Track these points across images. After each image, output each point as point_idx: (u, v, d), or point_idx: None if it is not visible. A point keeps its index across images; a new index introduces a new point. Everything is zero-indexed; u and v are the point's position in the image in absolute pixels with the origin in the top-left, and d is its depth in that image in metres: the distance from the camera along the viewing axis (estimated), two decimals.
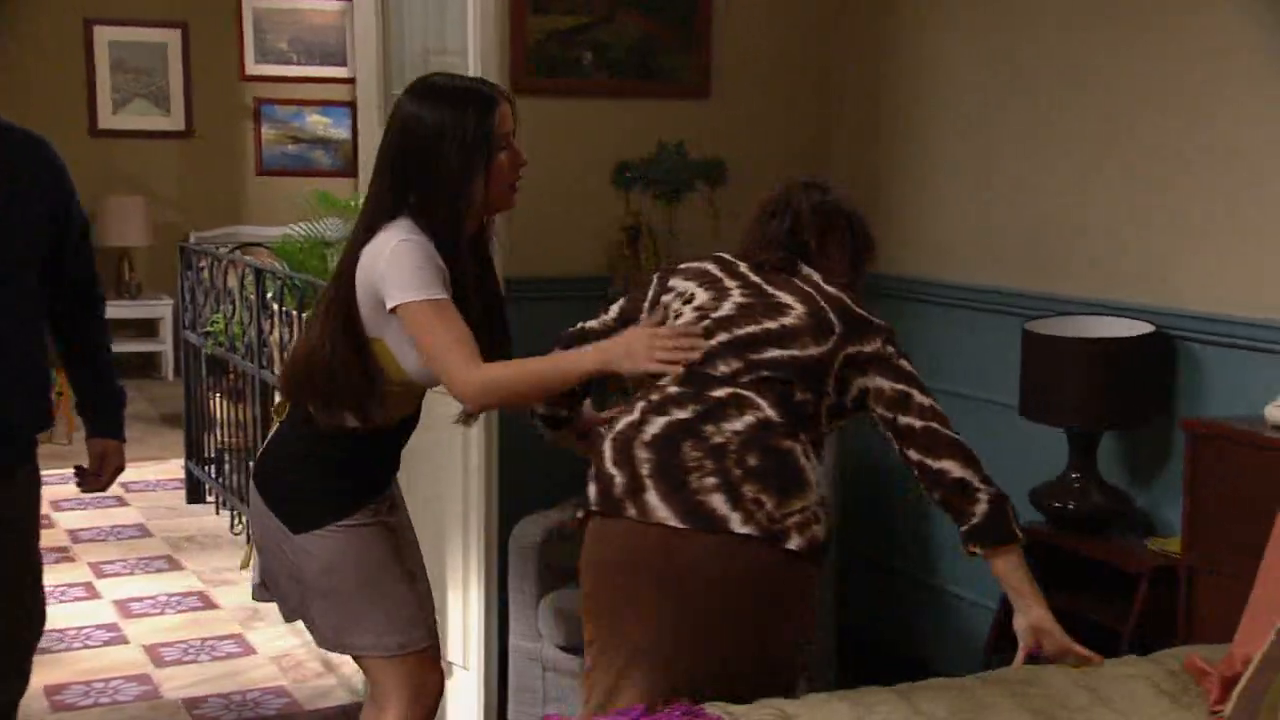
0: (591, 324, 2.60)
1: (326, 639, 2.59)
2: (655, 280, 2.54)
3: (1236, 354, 3.10)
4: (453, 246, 2.43)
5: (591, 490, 2.35)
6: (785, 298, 2.40)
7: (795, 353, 2.34)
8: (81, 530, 5.51)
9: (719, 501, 2.22)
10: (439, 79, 2.54)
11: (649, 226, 4.28)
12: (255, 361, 5.07)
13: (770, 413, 2.29)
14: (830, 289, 2.44)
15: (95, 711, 3.79)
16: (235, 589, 4.80)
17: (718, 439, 2.25)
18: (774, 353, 2.33)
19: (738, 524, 2.21)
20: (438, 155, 2.41)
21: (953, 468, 2.33)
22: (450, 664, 3.47)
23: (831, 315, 2.39)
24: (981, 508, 2.33)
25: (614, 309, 2.59)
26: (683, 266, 2.53)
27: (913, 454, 2.35)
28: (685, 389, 2.31)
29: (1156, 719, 2.25)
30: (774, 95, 4.45)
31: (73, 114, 8.52)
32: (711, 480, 2.23)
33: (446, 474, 3.61)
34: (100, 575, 4.97)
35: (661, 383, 2.34)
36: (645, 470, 2.26)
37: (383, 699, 2.56)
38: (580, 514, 2.40)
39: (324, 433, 2.49)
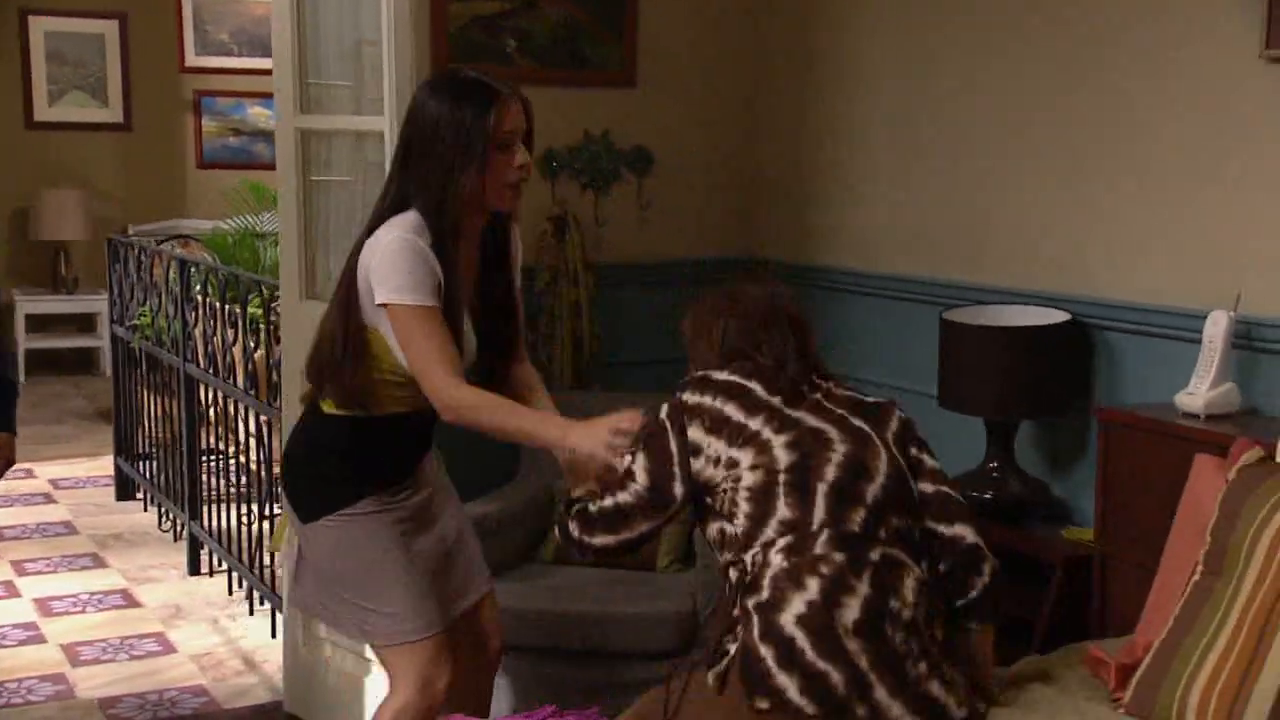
0: (625, 498, 2.26)
1: (347, 630, 2.67)
2: (670, 432, 2.24)
3: (1150, 342, 3.10)
4: (443, 239, 2.41)
5: (789, 688, 2.02)
6: (845, 425, 2.21)
7: (884, 483, 2.16)
8: (6, 528, 5.40)
9: (936, 689, 2.06)
10: (454, 71, 2.56)
11: (575, 216, 4.24)
12: (180, 355, 4.98)
13: (916, 567, 2.12)
14: (848, 393, 2.30)
15: (5, 713, 3.70)
16: (160, 587, 4.72)
17: (906, 614, 2.06)
18: (875, 491, 2.15)
19: (954, 709, 2.07)
20: (433, 144, 2.40)
21: (966, 533, 2.21)
22: (368, 661, 3.41)
23: (879, 424, 2.24)
24: (983, 580, 2.19)
25: (641, 476, 2.24)
26: (693, 405, 2.25)
27: (926, 522, 2.20)
28: (842, 553, 2.08)
29: (1058, 715, 2.23)
30: (701, 85, 4.42)
31: (8, 106, 8.39)
32: (924, 665, 2.06)
33: None
34: (22, 573, 4.87)
35: (816, 550, 2.08)
36: (864, 664, 2.02)
37: (392, 685, 2.58)
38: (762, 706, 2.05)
39: (331, 421, 2.52)
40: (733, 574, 2.16)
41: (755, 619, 2.05)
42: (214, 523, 4.79)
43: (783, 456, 2.15)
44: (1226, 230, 2.95)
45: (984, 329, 3.23)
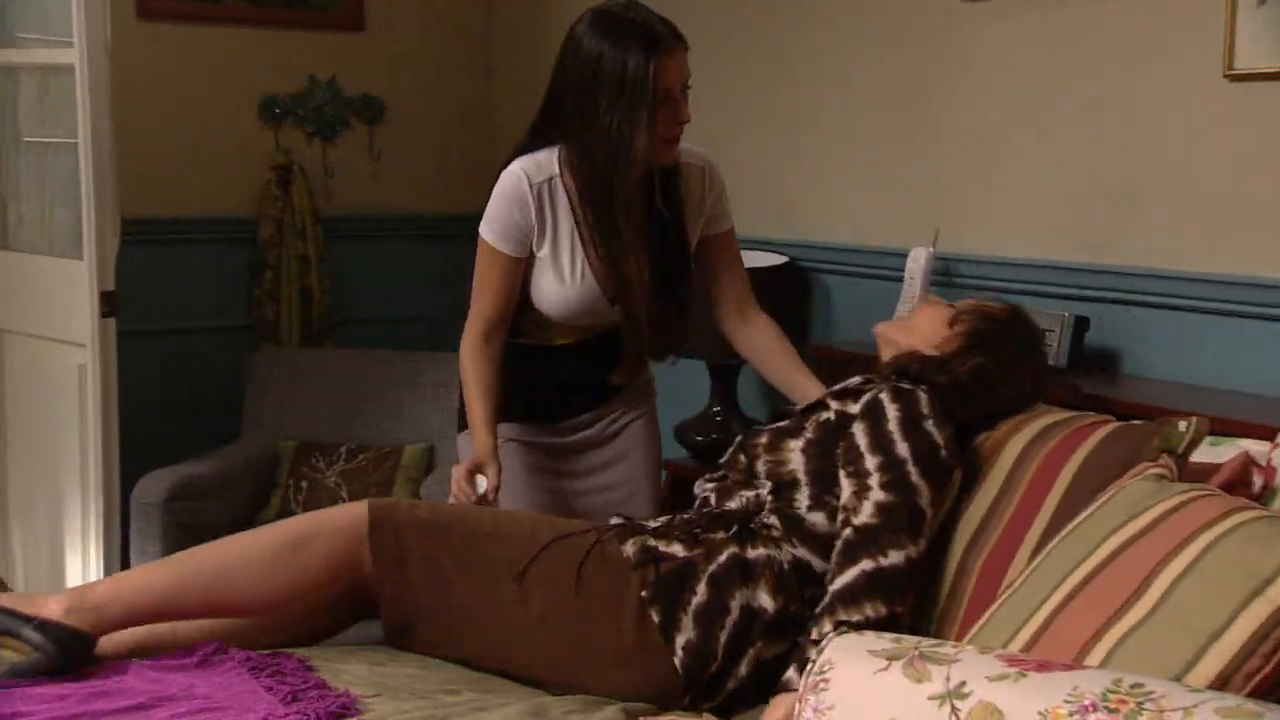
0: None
1: None
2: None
3: (861, 282, 3.15)
4: (606, 195, 2.26)
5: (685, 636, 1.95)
6: None
7: None
8: None
9: None
10: (615, 7, 2.27)
11: (301, 166, 4.06)
12: None
13: None
14: None
15: None
16: None
17: None
18: None
19: None
20: (595, 90, 2.21)
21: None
22: None
23: None
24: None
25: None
26: None
27: None
28: None
29: None
30: (434, 30, 4.30)
31: None
32: None
33: (63, 426, 3.33)
34: None
35: None
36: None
37: None
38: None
39: (512, 341, 2.42)
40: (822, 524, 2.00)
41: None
42: None
43: None
44: (927, 172, 3.01)
45: None
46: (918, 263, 2.82)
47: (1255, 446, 1.93)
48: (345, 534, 2.00)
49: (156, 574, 2.04)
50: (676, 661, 1.91)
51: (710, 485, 2.14)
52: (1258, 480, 1.84)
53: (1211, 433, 2.02)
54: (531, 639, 1.97)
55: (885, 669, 1.49)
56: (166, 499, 3.31)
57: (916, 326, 2.24)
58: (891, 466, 1.93)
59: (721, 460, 2.18)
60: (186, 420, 3.91)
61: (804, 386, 2.39)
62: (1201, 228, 2.48)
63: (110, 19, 3.17)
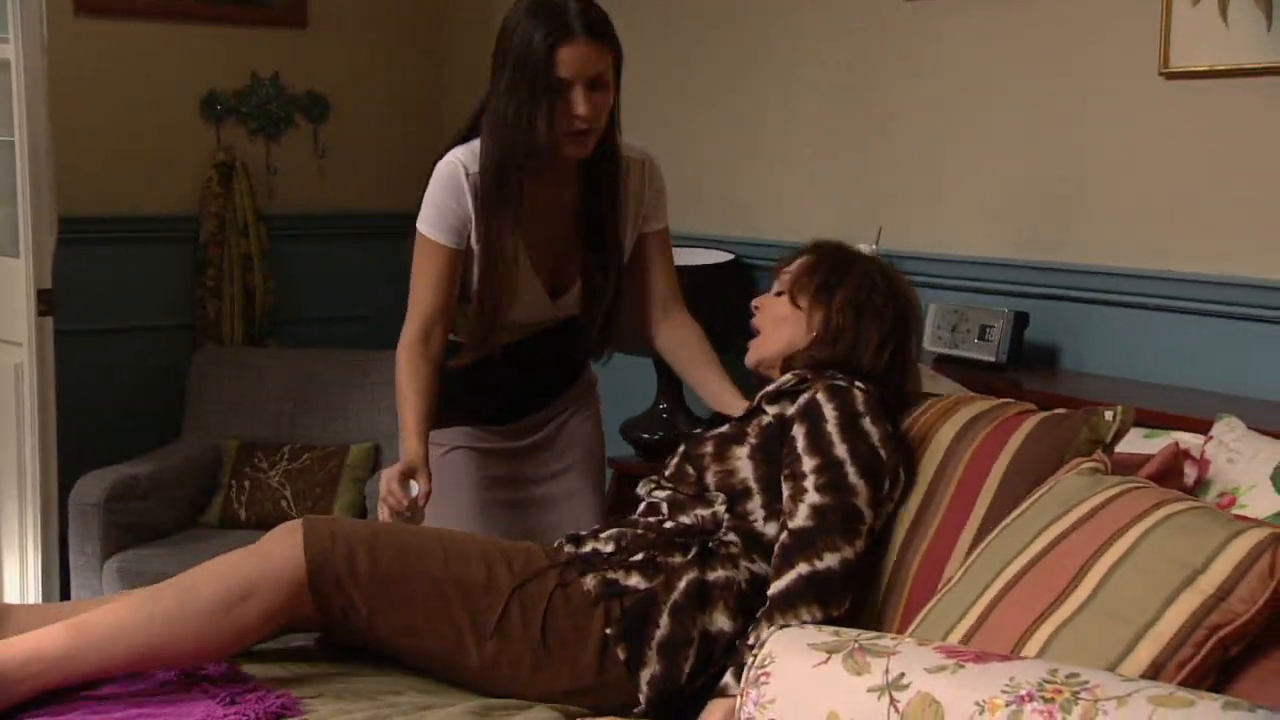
0: None
1: None
2: None
3: None
4: (497, 175, 2.19)
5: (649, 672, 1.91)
6: None
7: None
8: None
9: None
10: None
11: (244, 163, 4.02)
12: None
13: None
14: None
15: None
16: None
17: None
18: None
19: None
20: (502, 64, 2.17)
21: None
22: None
23: None
24: None
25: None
26: None
27: None
28: None
29: None
30: (379, 27, 4.27)
31: None
32: None
33: None
34: None
35: None
36: None
37: None
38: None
39: (452, 341, 2.35)
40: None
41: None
42: None
43: None
44: (871, 171, 3.03)
45: None
46: None
47: (1189, 439, 1.96)
48: (283, 588, 1.85)
49: (75, 639, 1.80)
50: (641, 696, 1.88)
51: (661, 495, 2.08)
52: (1190, 472, 1.87)
53: (1148, 425, 2.05)
54: (489, 676, 1.91)
55: (825, 662, 1.49)
56: (106, 500, 3.27)
57: (779, 327, 2.18)
58: (828, 468, 1.91)
59: (667, 472, 2.12)
60: (127, 420, 3.86)
61: (719, 392, 2.34)
62: (1139, 225, 2.51)
63: (47, 14, 3.13)
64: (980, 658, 1.44)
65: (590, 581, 1.92)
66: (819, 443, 1.93)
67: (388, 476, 2.14)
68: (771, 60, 3.25)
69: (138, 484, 3.36)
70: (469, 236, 2.26)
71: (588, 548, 2.01)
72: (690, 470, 2.07)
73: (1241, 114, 2.33)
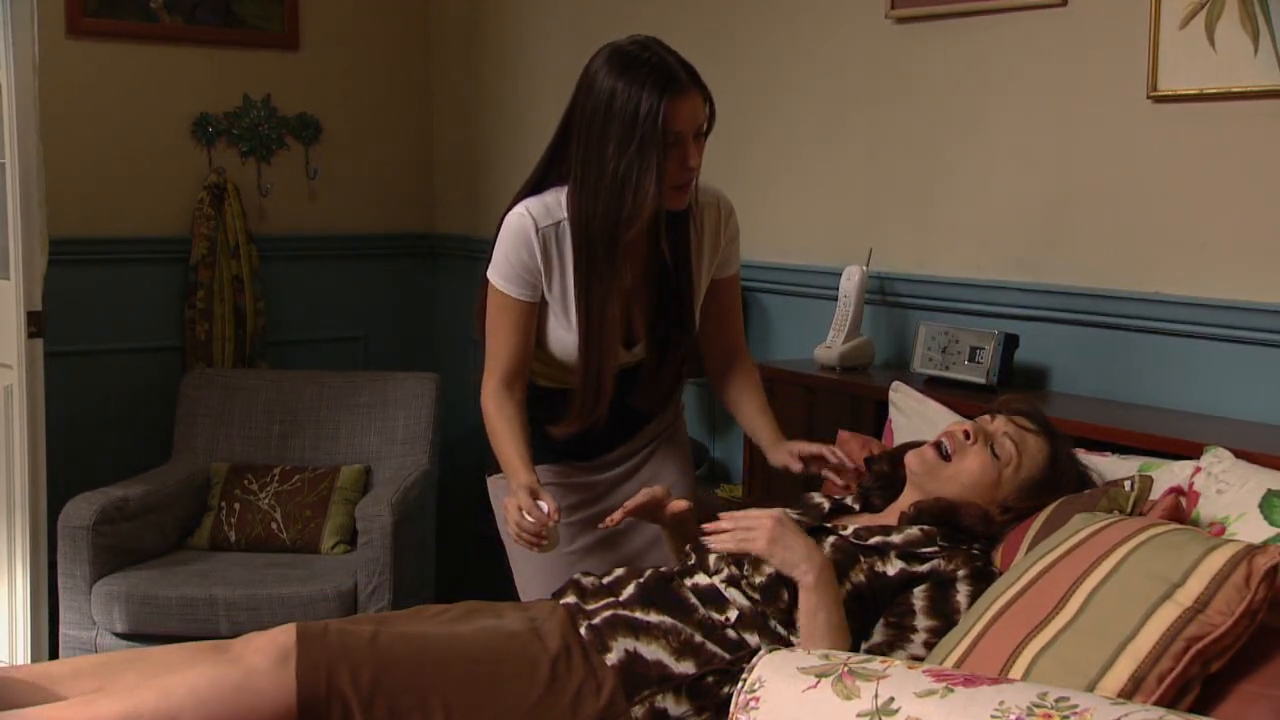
0: None
1: None
2: None
3: (797, 301, 3.17)
4: (607, 241, 2.17)
5: None
6: None
7: None
8: None
9: None
10: (632, 45, 2.17)
11: (235, 185, 4.03)
12: None
13: None
14: None
15: None
16: None
17: None
18: None
19: None
20: (605, 129, 2.12)
21: None
22: None
23: None
24: None
25: None
26: None
27: None
28: None
29: None
30: (370, 50, 4.28)
31: None
32: None
33: None
34: None
35: None
36: None
37: None
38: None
39: (531, 384, 2.36)
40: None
41: None
42: None
43: None
44: (861, 193, 3.04)
45: None
46: (851, 281, 2.84)
47: (1178, 469, 1.96)
48: (267, 710, 1.77)
49: None
50: None
51: (736, 595, 1.95)
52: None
53: (1137, 450, 2.05)
54: None
55: (814, 686, 1.49)
56: (95, 522, 3.26)
57: (963, 477, 2.04)
58: (939, 633, 1.85)
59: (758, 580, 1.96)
60: (117, 442, 3.85)
61: (768, 445, 2.38)
62: (1128, 246, 2.52)
63: (39, 36, 3.14)
64: (969, 681, 1.44)
65: (639, 711, 1.85)
66: (944, 609, 1.88)
67: (515, 503, 2.12)
68: (761, 83, 3.26)
69: (127, 506, 3.35)
70: (542, 289, 2.26)
71: (629, 645, 1.91)
72: (785, 594, 1.93)
73: (1229, 137, 2.34)
